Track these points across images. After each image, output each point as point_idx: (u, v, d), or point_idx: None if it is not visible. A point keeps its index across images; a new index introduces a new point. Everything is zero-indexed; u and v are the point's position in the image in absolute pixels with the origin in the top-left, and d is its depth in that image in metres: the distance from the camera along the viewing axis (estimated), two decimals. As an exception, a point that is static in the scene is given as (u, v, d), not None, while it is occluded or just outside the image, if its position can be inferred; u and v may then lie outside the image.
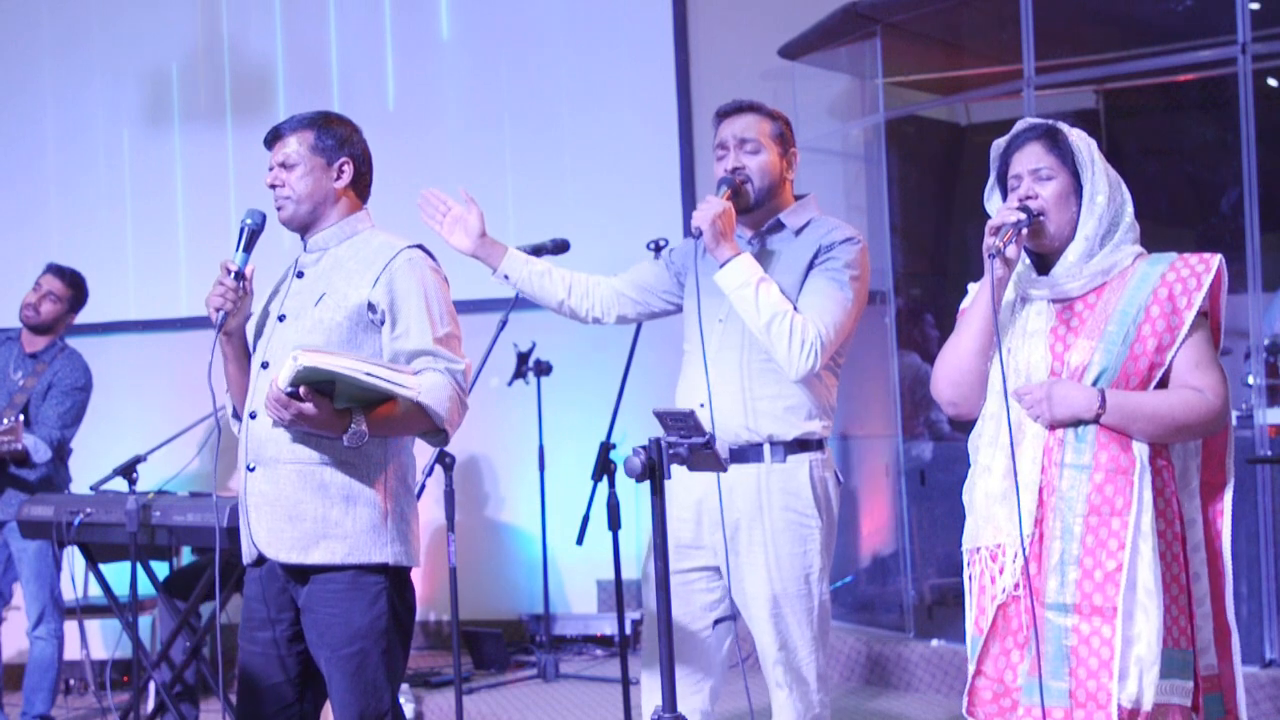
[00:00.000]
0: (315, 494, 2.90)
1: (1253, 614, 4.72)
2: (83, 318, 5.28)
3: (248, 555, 3.01)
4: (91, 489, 4.83)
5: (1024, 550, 2.53)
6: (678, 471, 2.78)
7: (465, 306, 6.15)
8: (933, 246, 6.88)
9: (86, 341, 5.40)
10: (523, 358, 6.01)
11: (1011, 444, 2.55)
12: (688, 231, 6.58)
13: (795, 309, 3.08)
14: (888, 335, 5.78)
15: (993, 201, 2.74)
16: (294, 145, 3.01)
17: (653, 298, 3.44)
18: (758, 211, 3.22)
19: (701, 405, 3.09)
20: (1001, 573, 2.58)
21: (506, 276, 3.41)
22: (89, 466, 5.04)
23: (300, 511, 2.90)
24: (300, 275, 3.05)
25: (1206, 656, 2.60)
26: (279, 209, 3.03)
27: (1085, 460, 2.54)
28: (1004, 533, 2.57)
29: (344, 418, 2.82)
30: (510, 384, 6.07)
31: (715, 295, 3.14)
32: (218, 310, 2.97)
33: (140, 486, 4.59)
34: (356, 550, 2.91)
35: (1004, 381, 2.57)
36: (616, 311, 3.46)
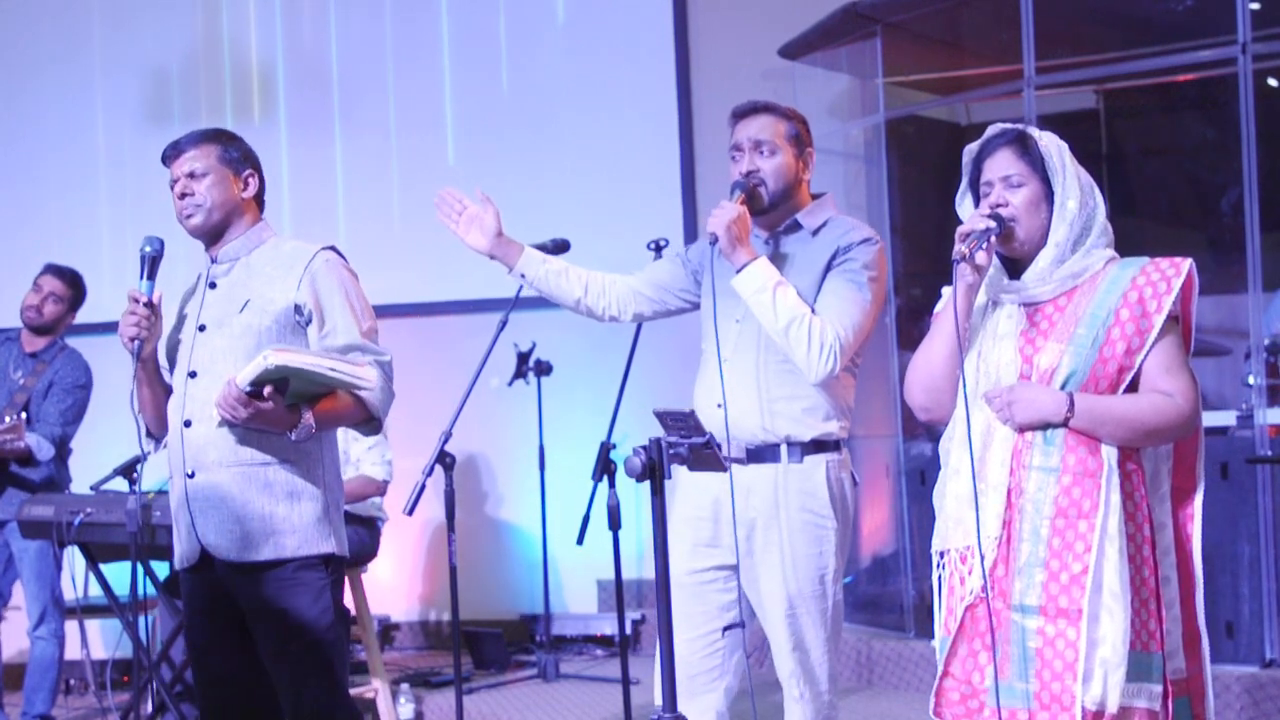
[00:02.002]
0: (261, 493, 2.99)
1: (1253, 614, 4.72)
2: (83, 317, 5.28)
3: (187, 559, 3.08)
4: (92, 489, 4.83)
5: (980, 550, 2.54)
6: (696, 472, 2.79)
7: (465, 306, 6.27)
8: (933, 246, 6.87)
9: (87, 341, 5.40)
10: (523, 358, 6.01)
11: (970, 447, 2.56)
12: (689, 233, 6.60)
13: (813, 311, 3.08)
14: (888, 335, 5.78)
15: (964, 206, 2.74)
16: (200, 157, 3.12)
17: (669, 296, 3.43)
18: (773, 212, 3.22)
19: (719, 406, 3.09)
20: (970, 574, 2.58)
21: (523, 275, 3.41)
22: (89, 466, 5.04)
23: (247, 511, 2.99)
24: (213, 285, 3.13)
25: (1175, 660, 2.60)
26: (188, 217, 3.13)
27: (1053, 463, 2.54)
28: (973, 535, 2.57)
29: (293, 414, 2.93)
30: (510, 384, 6.07)
31: (731, 296, 3.14)
32: (133, 340, 3.06)
33: (140, 486, 4.58)
34: (305, 543, 3.01)
35: (963, 386, 2.57)
36: (633, 310, 3.46)
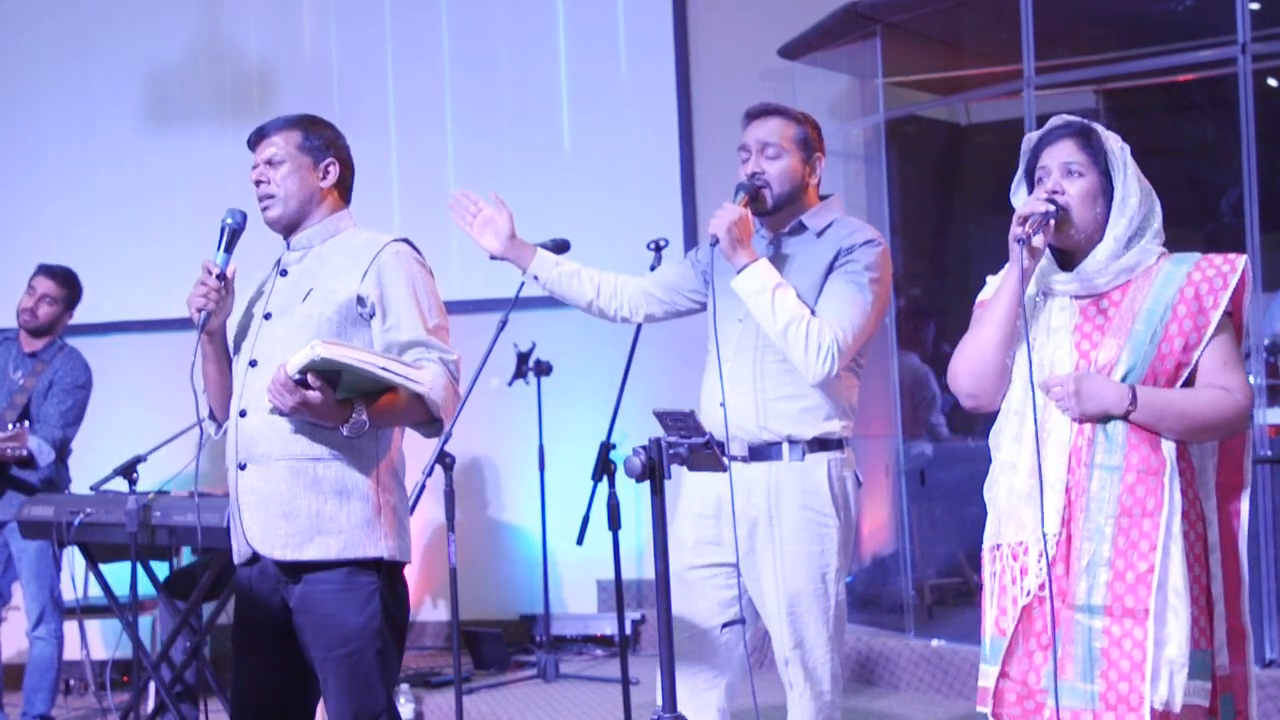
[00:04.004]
0: (308, 490, 2.90)
1: (1253, 614, 4.67)
2: (83, 318, 5.28)
3: (240, 554, 3.01)
4: (91, 489, 4.83)
5: (1046, 548, 2.51)
6: (695, 471, 2.80)
7: (465, 306, 6.24)
8: (933, 246, 6.88)
9: (86, 341, 5.40)
10: (523, 358, 6.01)
11: (1038, 440, 2.53)
12: (689, 233, 6.60)
13: (813, 313, 3.09)
14: (888, 335, 5.78)
15: (1019, 196, 2.72)
16: (280, 144, 3.03)
17: (679, 297, 3.46)
18: (778, 214, 3.23)
19: (720, 405, 3.10)
20: (1024, 572, 2.56)
21: (536, 277, 3.43)
22: (89, 466, 5.04)
23: (294, 508, 2.90)
24: (284, 273, 3.06)
25: (1220, 657, 2.59)
26: (264, 207, 3.04)
27: (1116, 461, 2.52)
28: (1027, 531, 2.55)
29: (345, 408, 2.83)
30: (510, 384, 6.07)
31: (733, 296, 3.16)
32: (200, 311, 2.98)
33: (140, 486, 4.59)
34: (351, 545, 2.90)
35: (1032, 376, 2.55)
36: (644, 311, 3.48)
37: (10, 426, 4.53)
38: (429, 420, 2.95)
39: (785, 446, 3.14)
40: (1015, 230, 2.54)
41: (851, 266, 3.13)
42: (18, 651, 5.48)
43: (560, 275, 3.43)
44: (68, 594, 5.01)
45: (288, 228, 3.07)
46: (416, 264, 3.02)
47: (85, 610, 5.16)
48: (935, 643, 5.42)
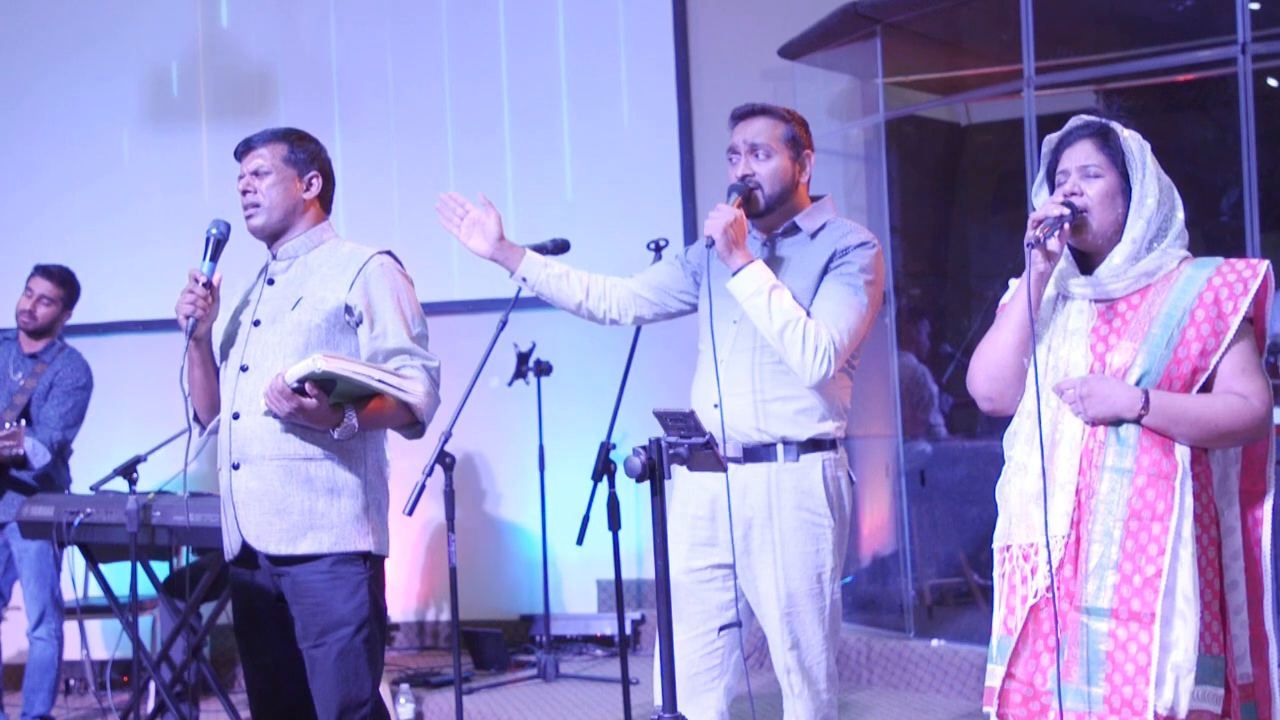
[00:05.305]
0: (301, 487, 3.05)
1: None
2: (83, 318, 5.27)
3: (231, 550, 3.14)
4: (91, 489, 4.83)
5: (1047, 549, 2.50)
6: (695, 472, 2.81)
7: (465, 306, 6.27)
8: (933, 247, 6.88)
9: (86, 341, 5.40)
10: (523, 358, 6.01)
11: (1041, 441, 2.52)
12: (689, 233, 6.60)
13: (809, 314, 3.09)
14: (888, 335, 5.78)
15: (1039, 197, 2.71)
16: (266, 155, 3.17)
17: (669, 298, 3.45)
18: (771, 215, 3.23)
19: (715, 406, 3.11)
20: (1034, 573, 2.55)
21: (525, 280, 3.43)
22: (89, 466, 5.04)
23: (288, 505, 3.04)
24: (271, 282, 3.19)
25: (1242, 665, 2.57)
26: (249, 216, 3.17)
27: (1127, 464, 2.50)
28: (1038, 532, 2.54)
29: (336, 412, 2.98)
30: (510, 384, 6.07)
31: (729, 297, 3.16)
32: (188, 318, 3.11)
33: (140, 486, 4.59)
34: (342, 539, 3.05)
35: (1037, 379, 2.54)
36: (634, 312, 3.48)
37: (7, 425, 4.53)
38: (412, 423, 3.12)
39: (780, 448, 3.15)
40: (1029, 234, 2.52)
41: (846, 269, 3.13)
42: (18, 651, 5.48)
43: (549, 277, 3.43)
44: (68, 594, 5.01)
45: (271, 236, 3.20)
46: (400, 275, 3.18)
47: (85, 610, 5.16)
48: (935, 643, 5.42)
